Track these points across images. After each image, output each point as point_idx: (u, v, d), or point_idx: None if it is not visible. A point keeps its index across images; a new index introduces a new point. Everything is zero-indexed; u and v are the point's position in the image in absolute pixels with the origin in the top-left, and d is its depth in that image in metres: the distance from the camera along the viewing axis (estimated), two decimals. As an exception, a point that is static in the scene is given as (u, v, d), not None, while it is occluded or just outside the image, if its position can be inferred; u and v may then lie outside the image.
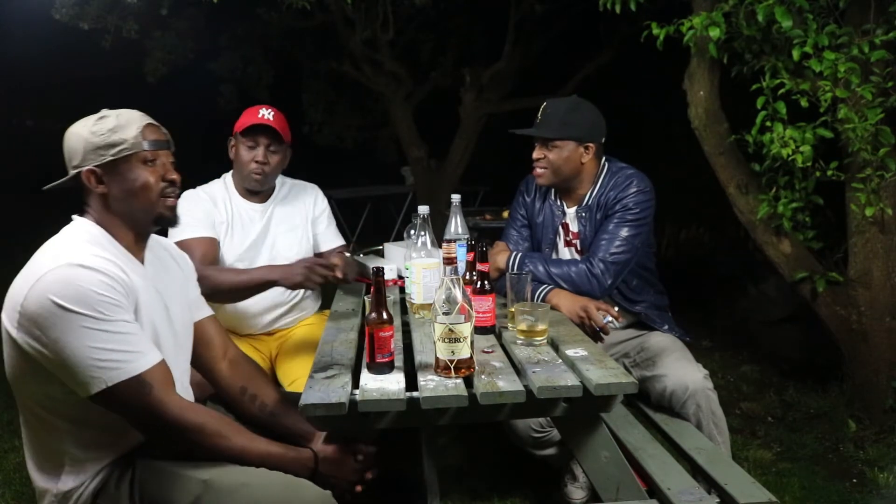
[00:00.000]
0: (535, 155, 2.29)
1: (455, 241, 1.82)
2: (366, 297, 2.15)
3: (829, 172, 2.70)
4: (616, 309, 2.17)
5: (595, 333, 2.10)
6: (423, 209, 2.06)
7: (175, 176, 1.55)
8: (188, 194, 2.44)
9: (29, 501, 2.58)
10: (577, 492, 2.41)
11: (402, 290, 2.33)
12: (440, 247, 1.86)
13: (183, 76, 6.39)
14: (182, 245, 2.25)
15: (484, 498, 2.52)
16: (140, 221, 1.55)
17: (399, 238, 4.19)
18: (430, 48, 6.84)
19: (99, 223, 1.51)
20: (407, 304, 2.13)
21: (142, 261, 1.56)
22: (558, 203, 2.40)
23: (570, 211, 2.37)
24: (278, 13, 5.59)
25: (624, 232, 2.21)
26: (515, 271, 2.14)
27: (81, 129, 1.50)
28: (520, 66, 6.29)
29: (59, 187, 1.54)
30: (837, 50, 2.48)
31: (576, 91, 3.69)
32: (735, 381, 3.61)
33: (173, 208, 1.57)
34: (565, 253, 2.39)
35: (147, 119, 1.54)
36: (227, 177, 2.52)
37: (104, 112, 1.53)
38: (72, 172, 1.50)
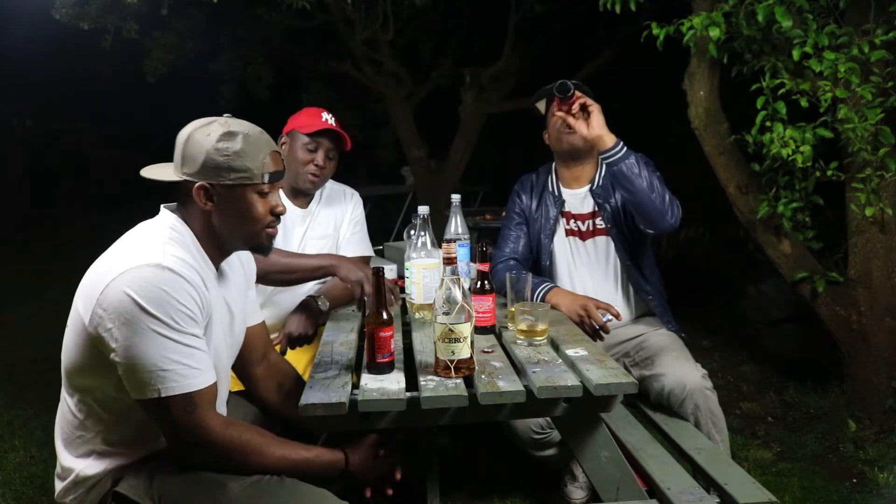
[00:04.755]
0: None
1: (455, 241, 1.82)
2: (365, 298, 2.15)
3: (829, 172, 2.70)
4: (615, 309, 2.18)
5: (595, 332, 2.11)
6: (423, 209, 2.06)
7: (283, 209, 1.53)
8: None
9: (29, 501, 2.58)
10: (577, 492, 2.42)
11: (402, 289, 2.33)
12: (440, 247, 1.86)
13: (183, 76, 6.38)
14: None
15: (484, 498, 2.52)
16: (236, 246, 1.55)
17: (399, 238, 4.20)
18: (430, 48, 6.83)
19: (190, 225, 1.48)
20: (407, 304, 2.13)
21: (217, 268, 1.55)
22: (556, 193, 2.41)
23: (576, 192, 2.38)
24: (279, 13, 5.58)
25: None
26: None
27: (205, 139, 1.43)
28: (520, 66, 6.28)
29: (159, 183, 1.47)
30: (837, 50, 2.48)
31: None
32: (735, 381, 3.61)
33: (272, 238, 1.55)
34: (566, 243, 2.40)
35: (273, 146, 1.49)
36: None
37: (232, 125, 1.46)
38: (181, 177, 1.45)
